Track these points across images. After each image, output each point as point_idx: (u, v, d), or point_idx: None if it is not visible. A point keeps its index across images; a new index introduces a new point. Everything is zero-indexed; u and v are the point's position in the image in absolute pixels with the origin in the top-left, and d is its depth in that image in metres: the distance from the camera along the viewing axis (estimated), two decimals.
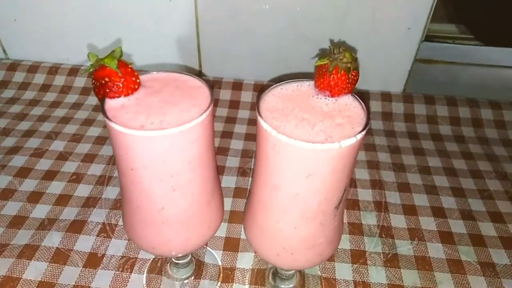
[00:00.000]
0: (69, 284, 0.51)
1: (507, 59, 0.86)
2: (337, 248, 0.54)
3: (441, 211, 0.64)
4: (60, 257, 0.54)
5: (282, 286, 0.53)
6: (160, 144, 0.33)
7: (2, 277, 0.51)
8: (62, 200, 0.63)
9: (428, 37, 0.82)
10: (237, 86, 0.88)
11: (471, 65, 0.87)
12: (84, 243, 0.56)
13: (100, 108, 0.34)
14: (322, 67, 0.35)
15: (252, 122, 0.82)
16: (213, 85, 0.88)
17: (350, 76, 0.35)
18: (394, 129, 0.82)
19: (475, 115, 0.84)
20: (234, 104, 0.86)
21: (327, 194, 0.36)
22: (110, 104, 0.35)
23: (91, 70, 0.34)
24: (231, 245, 0.57)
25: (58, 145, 0.73)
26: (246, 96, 0.87)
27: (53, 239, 0.56)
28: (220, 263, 0.55)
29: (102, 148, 0.73)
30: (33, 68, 0.90)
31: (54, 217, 0.60)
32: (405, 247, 0.58)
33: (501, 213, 0.64)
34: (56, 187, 0.65)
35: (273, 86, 0.38)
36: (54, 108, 0.83)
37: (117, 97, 0.35)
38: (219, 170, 0.70)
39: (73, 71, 0.89)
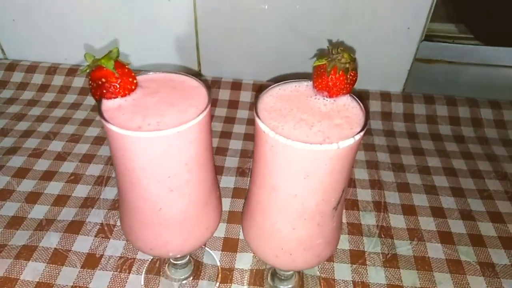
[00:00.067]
0: (67, 285, 0.51)
1: (507, 58, 0.86)
2: (336, 248, 0.54)
3: (440, 211, 0.64)
4: (58, 257, 0.54)
5: (281, 287, 0.53)
6: (157, 145, 0.33)
7: None
8: (60, 200, 0.62)
9: (428, 37, 0.82)
10: (236, 86, 0.88)
11: (471, 64, 0.87)
12: (82, 243, 0.56)
13: (97, 108, 0.34)
14: (320, 68, 0.35)
15: (251, 122, 0.81)
16: (212, 85, 0.88)
17: (348, 76, 0.35)
18: (394, 129, 0.82)
19: (474, 115, 0.84)
20: (233, 104, 0.86)
21: (325, 195, 0.36)
22: (107, 105, 0.34)
23: (87, 70, 0.34)
24: (230, 245, 0.57)
25: (56, 146, 0.73)
26: (245, 96, 0.87)
27: (51, 239, 0.56)
28: (218, 264, 0.55)
29: (101, 149, 0.73)
30: (32, 68, 0.90)
31: (52, 218, 0.59)
32: (404, 247, 0.58)
33: (500, 213, 0.64)
34: (54, 188, 0.64)
35: (271, 86, 0.38)
36: (52, 108, 0.83)
37: (114, 97, 0.35)
38: (218, 170, 0.70)
39: (72, 71, 0.89)
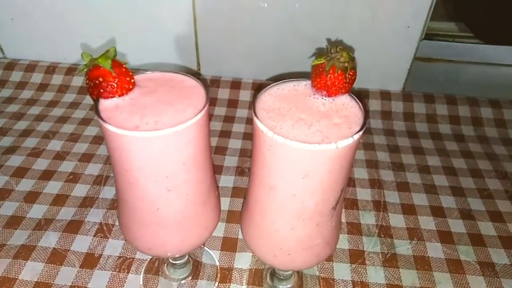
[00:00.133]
0: (65, 285, 0.51)
1: (507, 57, 0.85)
2: (335, 248, 0.54)
3: (440, 210, 0.64)
4: (57, 257, 0.54)
5: (280, 287, 0.53)
6: (155, 145, 0.33)
7: None
8: (59, 200, 0.62)
9: (428, 36, 0.82)
10: (236, 85, 0.88)
11: (471, 63, 0.86)
12: (81, 243, 0.56)
13: (94, 108, 0.34)
14: (319, 67, 0.35)
15: (251, 121, 0.81)
16: (211, 84, 0.88)
17: (347, 75, 0.34)
18: (394, 128, 0.82)
19: (474, 114, 0.84)
20: (233, 103, 0.85)
21: (324, 195, 0.36)
22: (104, 104, 0.34)
23: (85, 70, 0.34)
24: (229, 245, 0.57)
25: (55, 145, 0.73)
26: (245, 95, 0.86)
27: (50, 239, 0.56)
28: (217, 263, 0.55)
29: (100, 148, 0.73)
30: (31, 67, 0.89)
31: (51, 217, 0.59)
32: (404, 247, 0.58)
33: (500, 212, 0.64)
34: (53, 187, 0.64)
35: (270, 85, 0.38)
36: (51, 107, 0.83)
37: (111, 97, 0.34)
38: (217, 170, 0.69)
39: (71, 70, 0.89)
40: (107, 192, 0.64)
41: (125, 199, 0.39)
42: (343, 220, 0.61)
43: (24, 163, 0.68)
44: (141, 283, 0.52)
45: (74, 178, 0.66)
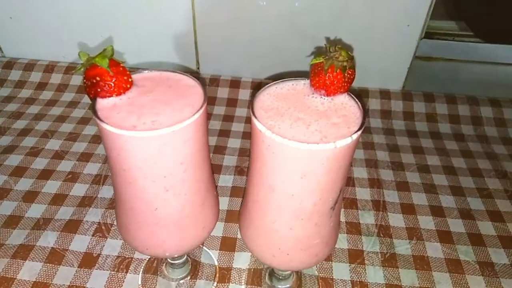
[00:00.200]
0: (64, 285, 0.51)
1: (507, 56, 0.85)
2: (334, 248, 0.54)
3: (440, 210, 0.63)
4: (55, 257, 0.54)
5: (279, 286, 0.52)
6: (152, 145, 0.33)
7: None
8: (58, 199, 0.62)
9: (428, 34, 0.81)
10: (235, 84, 0.87)
11: (471, 62, 0.86)
12: (80, 243, 0.56)
13: (91, 108, 0.34)
14: (317, 66, 0.35)
15: (250, 120, 0.81)
16: (210, 83, 0.87)
17: (346, 75, 0.34)
18: (393, 127, 0.82)
19: (474, 113, 0.83)
20: (232, 102, 0.85)
21: (323, 195, 0.35)
22: (102, 103, 0.34)
23: (82, 69, 0.34)
24: (228, 244, 0.57)
25: (54, 144, 0.73)
26: (244, 94, 0.86)
27: (48, 239, 0.56)
28: (216, 263, 0.55)
29: (98, 147, 0.73)
30: (29, 66, 0.89)
31: (49, 217, 0.59)
32: (403, 247, 0.58)
33: (500, 212, 0.64)
34: (51, 187, 0.64)
35: (268, 85, 0.37)
36: (50, 106, 0.83)
37: (109, 96, 0.34)
38: (216, 169, 0.69)
39: (70, 68, 0.89)
40: (106, 192, 0.64)
41: (123, 199, 0.39)
42: (342, 219, 0.61)
43: (22, 162, 0.68)
44: (139, 283, 0.52)
45: (72, 177, 0.66)
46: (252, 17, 0.80)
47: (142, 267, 0.54)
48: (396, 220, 0.62)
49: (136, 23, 0.84)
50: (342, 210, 0.62)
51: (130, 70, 0.35)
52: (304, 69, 0.83)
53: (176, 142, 0.33)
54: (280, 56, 0.85)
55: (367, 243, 0.58)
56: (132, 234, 0.41)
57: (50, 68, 0.89)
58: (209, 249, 0.56)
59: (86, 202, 0.62)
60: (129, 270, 0.53)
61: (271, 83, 0.38)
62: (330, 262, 0.55)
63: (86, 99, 0.85)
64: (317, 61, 0.35)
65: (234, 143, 0.75)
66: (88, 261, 0.54)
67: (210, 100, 0.85)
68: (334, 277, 0.53)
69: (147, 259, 0.55)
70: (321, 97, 0.36)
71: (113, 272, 0.53)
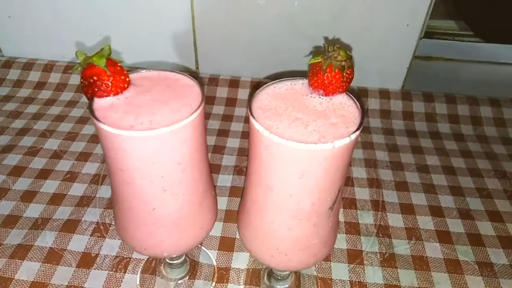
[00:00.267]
0: (62, 285, 0.51)
1: (507, 55, 0.85)
2: (333, 248, 0.53)
3: (439, 210, 0.63)
4: (53, 257, 0.54)
5: (277, 287, 0.52)
6: (150, 145, 0.32)
7: None
8: (56, 199, 0.62)
9: (427, 34, 0.81)
10: (234, 83, 0.87)
11: (470, 62, 0.86)
12: (78, 242, 0.56)
13: (88, 107, 0.34)
14: (316, 65, 0.35)
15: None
16: (209, 82, 0.87)
17: (344, 74, 0.34)
18: (392, 127, 0.81)
19: (474, 113, 0.83)
20: (231, 102, 0.85)
21: (321, 195, 0.35)
22: (99, 103, 0.34)
23: (79, 68, 0.33)
24: (226, 244, 0.57)
25: (52, 144, 0.73)
26: (243, 94, 0.86)
27: (46, 238, 0.56)
28: (215, 263, 0.55)
29: (97, 147, 0.72)
30: (28, 66, 0.89)
31: (47, 217, 0.59)
32: (402, 247, 0.58)
33: (499, 212, 0.63)
34: (50, 186, 0.64)
35: (266, 84, 0.37)
36: (49, 106, 0.83)
37: (106, 96, 0.34)
38: (215, 169, 0.69)
39: (69, 68, 0.89)
40: (104, 192, 0.64)
41: (121, 198, 0.39)
42: (341, 219, 0.61)
43: (21, 162, 0.68)
44: (138, 283, 0.52)
45: (71, 177, 0.66)
46: (251, 17, 0.80)
47: (141, 267, 0.54)
48: (395, 220, 0.61)
49: (136, 23, 0.84)
50: (341, 210, 0.62)
51: (128, 70, 0.35)
52: (304, 68, 0.83)
53: (174, 142, 0.33)
54: (279, 55, 0.85)
55: (366, 243, 0.58)
56: (130, 234, 0.41)
57: (49, 67, 0.89)
58: (207, 249, 0.56)
59: (84, 202, 0.62)
60: (127, 270, 0.53)
61: (269, 83, 0.37)
62: (329, 262, 0.55)
63: (84, 99, 0.85)
64: (316, 61, 0.34)
65: (233, 142, 0.75)
66: (86, 261, 0.54)
67: (209, 100, 0.85)
68: (333, 277, 0.53)
69: (146, 259, 0.55)
70: (320, 97, 0.36)
71: (111, 272, 0.52)
